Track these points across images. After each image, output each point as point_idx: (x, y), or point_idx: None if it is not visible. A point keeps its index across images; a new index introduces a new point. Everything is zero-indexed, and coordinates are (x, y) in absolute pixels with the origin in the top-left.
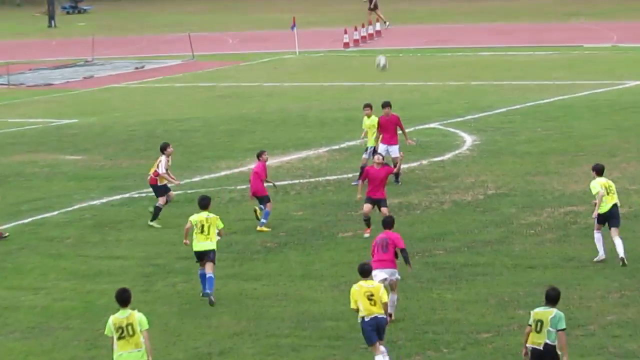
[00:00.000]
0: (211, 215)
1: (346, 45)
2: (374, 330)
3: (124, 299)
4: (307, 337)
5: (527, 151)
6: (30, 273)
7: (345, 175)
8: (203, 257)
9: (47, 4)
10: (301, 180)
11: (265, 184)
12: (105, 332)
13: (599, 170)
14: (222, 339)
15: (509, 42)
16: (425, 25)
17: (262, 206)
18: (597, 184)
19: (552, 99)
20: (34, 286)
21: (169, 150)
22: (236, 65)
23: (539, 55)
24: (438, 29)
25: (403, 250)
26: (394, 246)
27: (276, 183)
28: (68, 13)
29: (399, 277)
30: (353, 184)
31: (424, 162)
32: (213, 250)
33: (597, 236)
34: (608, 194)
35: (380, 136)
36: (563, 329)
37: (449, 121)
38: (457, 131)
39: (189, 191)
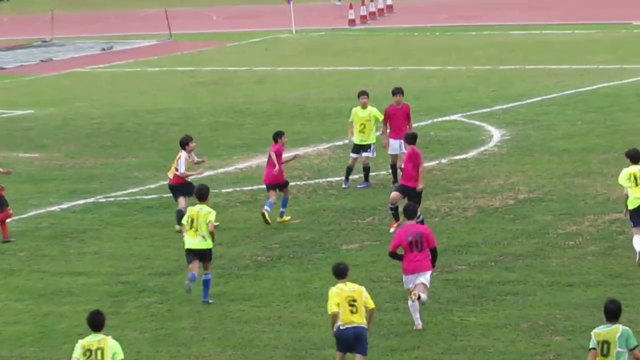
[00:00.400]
0: (203, 208)
1: (352, 22)
2: (349, 344)
3: (96, 323)
4: None
5: (566, 148)
6: None
7: (350, 177)
8: (195, 257)
9: None
10: (298, 183)
11: None
12: (73, 354)
13: (634, 157)
14: None
15: (545, 19)
16: None
17: (267, 208)
18: (625, 174)
19: (595, 87)
20: None
21: (191, 145)
22: (221, 46)
23: (580, 34)
24: (461, 3)
25: (433, 251)
26: (427, 243)
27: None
28: None
29: (428, 284)
30: (359, 186)
31: (444, 161)
32: (207, 251)
33: (636, 240)
34: (638, 184)
35: (388, 130)
36: (636, 346)
37: (473, 112)
38: (483, 124)
39: (164, 195)
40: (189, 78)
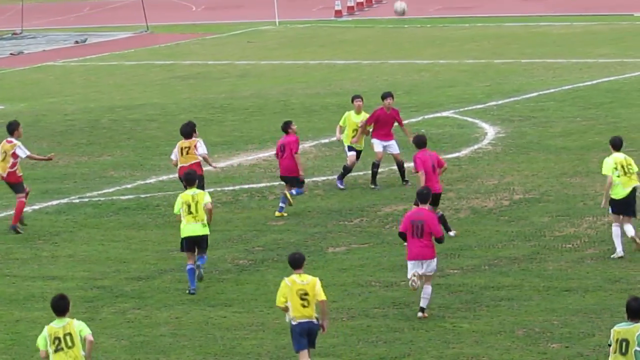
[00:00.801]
0: (197, 191)
1: (338, 13)
2: (304, 337)
3: (60, 307)
4: None
5: (564, 146)
6: None
7: (336, 176)
8: (194, 245)
9: None
10: (282, 182)
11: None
12: (37, 344)
13: (617, 145)
14: None
15: (542, 10)
16: None
17: (292, 191)
18: (612, 162)
19: (594, 82)
20: None
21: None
22: (201, 38)
23: (579, 26)
24: None
25: (439, 240)
26: (429, 230)
27: (251, 186)
28: None
29: (436, 268)
30: (372, 187)
31: None
32: (205, 238)
33: (615, 231)
34: (626, 173)
35: (371, 131)
36: None
37: (466, 109)
38: (477, 121)
39: (142, 196)
40: (167, 72)
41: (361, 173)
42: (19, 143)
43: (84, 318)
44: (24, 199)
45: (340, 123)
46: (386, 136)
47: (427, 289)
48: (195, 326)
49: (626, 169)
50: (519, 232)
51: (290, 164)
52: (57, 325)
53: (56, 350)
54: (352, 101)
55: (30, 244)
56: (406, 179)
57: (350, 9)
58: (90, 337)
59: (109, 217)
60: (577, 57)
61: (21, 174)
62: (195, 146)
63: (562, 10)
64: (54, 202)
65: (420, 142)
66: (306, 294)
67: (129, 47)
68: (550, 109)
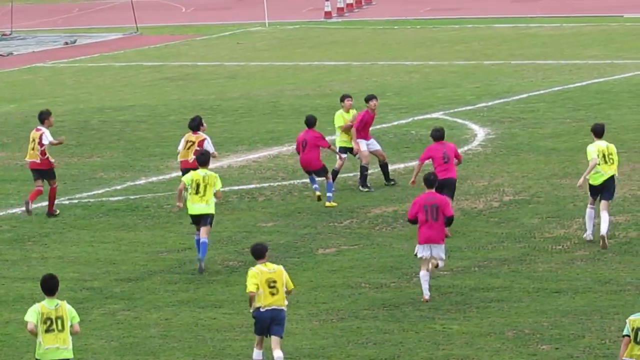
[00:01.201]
0: (209, 172)
1: (328, 15)
2: (265, 327)
3: (50, 287)
4: None
5: (553, 147)
6: None
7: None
8: (199, 220)
9: None
10: (272, 184)
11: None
12: (27, 317)
13: (598, 132)
14: None
15: (532, 11)
16: None
17: (316, 186)
18: (594, 150)
19: (584, 83)
20: None
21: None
22: (191, 39)
23: (569, 27)
24: None
25: (450, 219)
26: (443, 212)
27: (241, 187)
28: None
29: (444, 257)
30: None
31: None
32: (211, 215)
33: (589, 212)
34: (607, 162)
35: (355, 132)
36: None
37: (456, 110)
38: (467, 122)
39: (131, 197)
40: (156, 73)
41: (351, 174)
42: (45, 131)
43: None
44: (55, 186)
45: (336, 124)
46: (367, 136)
47: (441, 264)
48: (185, 327)
49: (607, 158)
50: (509, 233)
51: (312, 158)
52: (49, 306)
53: (47, 331)
54: (343, 100)
55: (20, 245)
56: (391, 178)
57: (340, 11)
58: (78, 328)
59: (99, 218)
60: (567, 59)
61: (53, 160)
62: (201, 143)
63: (551, 12)
64: (44, 204)
65: (436, 135)
66: (275, 281)
67: (119, 49)
68: (540, 111)
